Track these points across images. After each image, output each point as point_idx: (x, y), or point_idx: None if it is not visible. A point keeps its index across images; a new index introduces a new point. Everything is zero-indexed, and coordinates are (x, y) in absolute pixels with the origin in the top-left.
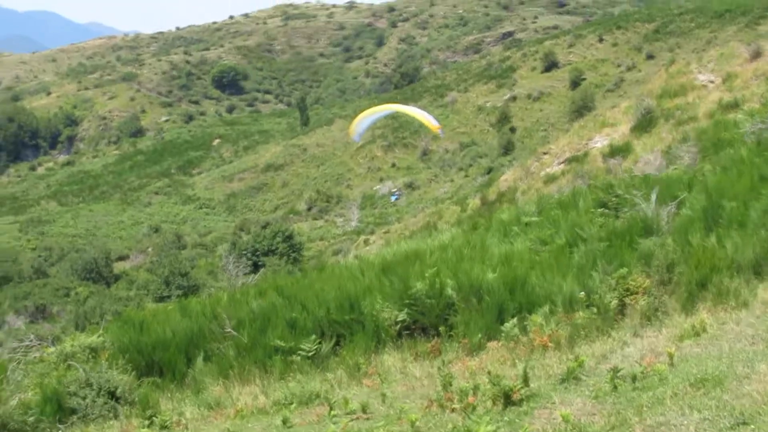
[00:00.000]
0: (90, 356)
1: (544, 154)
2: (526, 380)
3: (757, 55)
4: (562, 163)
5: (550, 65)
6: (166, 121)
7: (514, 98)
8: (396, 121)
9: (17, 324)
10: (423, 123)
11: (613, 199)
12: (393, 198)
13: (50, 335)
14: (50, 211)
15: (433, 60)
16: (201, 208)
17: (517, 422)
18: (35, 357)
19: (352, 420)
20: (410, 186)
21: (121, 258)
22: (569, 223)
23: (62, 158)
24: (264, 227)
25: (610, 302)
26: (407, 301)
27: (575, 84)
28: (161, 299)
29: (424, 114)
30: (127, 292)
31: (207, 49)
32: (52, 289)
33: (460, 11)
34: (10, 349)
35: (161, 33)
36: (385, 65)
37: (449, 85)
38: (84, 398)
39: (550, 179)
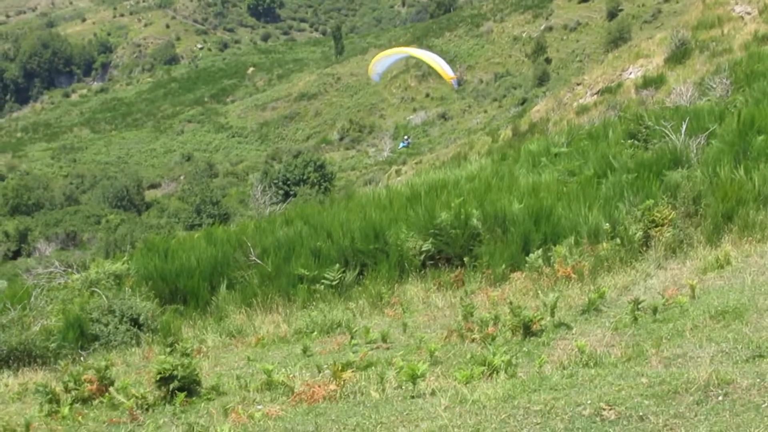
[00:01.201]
0: (114, 283)
1: (578, 84)
2: (553, 311)
3: None
4: (595, 94)
5: None
6: (201, 48)
7: (550, 28)
8: (431, 51)
9: (47, 251)
10: (438, 71)
11: (643, 130)
12: (402, 145)
13: (78, 262)
14: (83, 139)
15: None
16: (233, 136)
17: (535, 352)
18: (60, 284)
19: (372, 349)
20: (443, 116)
21: (153, 186)
22: (598, 154)
23: (96, 85)
24: (296, 156)
25: (635, 234)
26: (432, 231)
27: (612, 15)
28: (192, 227)
29: (441, 62)
30: (158, 220)
31: None
32: (83, 216)
33: None
34: (35, 275)
35: None
36: None
37: (485, 15)
38: (106, 325)
39: (583, 110)
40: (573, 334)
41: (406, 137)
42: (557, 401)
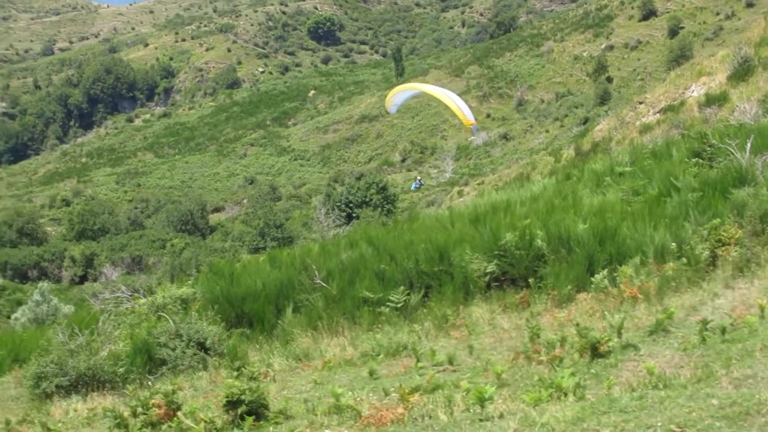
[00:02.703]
0: (181, 307)
1: (640, 103)
2: (620, 332)
3: None
4: (658, 112)
5: (648, 14)
6: (262, 72)
7: (611, 47)
8: (491, 71)
9: (114, 275)
10: (457, 115)
11: (708, 148)
12: (413, 187)
13: (144, 287)
14: (147, 163)
15: (530, 9)
16: (296, 159)
17: (603, 374)
18: (127, 308)
19: (438, 372)
20: (505, 137)
21: (217, 209)
22: (663, 173)
23: (159, 110)
24: (358, 179)
25: (702, 253)
26: (496, 253)
27: (673, 33)
28: (256, 250)
29: (461, 105)
30: (223, 243)
31: (303, 0)
32: (148, 240)
33: None
34: (102, 300)
35: None
36: (481, 14)
37: (545, 35)
38: (174, 349)
39: (645, 129)
40: (641, 356)
41: (418, 179)
42: (627, 424)
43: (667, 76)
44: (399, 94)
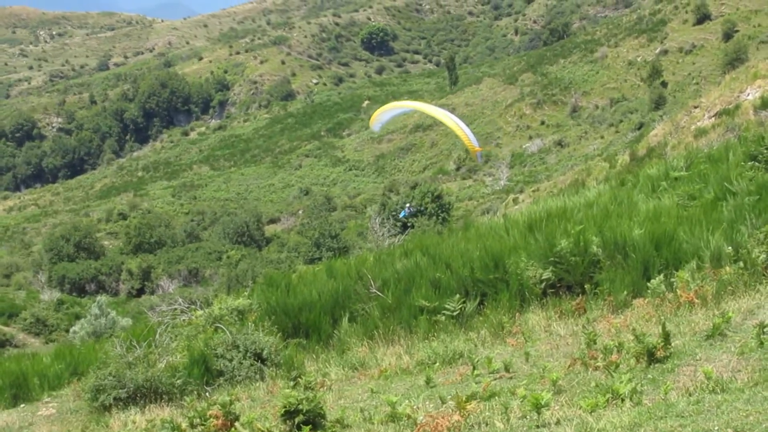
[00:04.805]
0: (237, 319)
1: (695, 107)
2: (666, 338)
3: None
4: (713, 116)
5: (702, 17)
6: (316, 83)
7: (665, 52)
8: (545, 78)
9: (170, 288)
10: (461, 140)
11: (764, 152)
12: (402, 214)
13: (201, 299)
14: (202, 176)
15: (583, 15)
16: (350, 169)
17: (660, 380)
18: (184, 320)
19: (494, 379)
20: (559, 143)
21: (272, 221)
22: (718, 177)
23: (214, 123)
24: (413, 188)
25: (759, 257)
26: (552, 259)
27: (728, 36)
28: (312, 261)
29: (466, 130)
30: (278, 254)
31: (356, 10)
32: (204, 252)
33: None
34: (159, 313)
35: None
36: (535, 22)
37: (599, 41)
38: (231, 360)
39: (701, 133)
40: (698, 360)
41: (408, 205)
42: (684, 428)
43: (722, 80)
44: (388, 112)
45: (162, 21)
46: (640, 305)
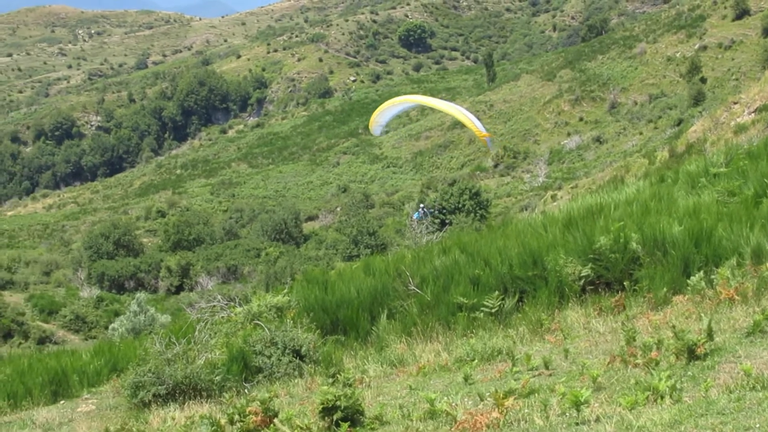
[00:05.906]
0: (276, 316)
1: (735, 103)
2: (710, 334)
3: None
4: (753, 112)
5: (742, 13)
6: (354, 81)
7: (704, 47)
8: (583, 74)
9: (209, 285)
10: (468, 127)
11: None
12: (416, 216)
13: (240, 296)
14: (241, 173)
15: (622, 11)
16: (388, 167)
17: (700, 377)
18: (222, 317)
19: (533, 376)
20: (598, 140)
21: (311, 218)
22: (758, 173)
23: (252, 120)
24: (451, 185)
25: None
26: (591, 256)
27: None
28: (350, 258)
29: (472, 117)
30: (317, 251)
31: (393, 7)
32: (243, 250)
33: None
34: (198, 310)
35: None
36: (573, 18)
37: (638, 36)
38: (269, 357)
39: (740, 129)
40: (738, 357)
41: (421, 206)
42: (725, 426)
43: (762, 76)
44: (387, 111)
45: (200, 19)
46: (680, 302)
